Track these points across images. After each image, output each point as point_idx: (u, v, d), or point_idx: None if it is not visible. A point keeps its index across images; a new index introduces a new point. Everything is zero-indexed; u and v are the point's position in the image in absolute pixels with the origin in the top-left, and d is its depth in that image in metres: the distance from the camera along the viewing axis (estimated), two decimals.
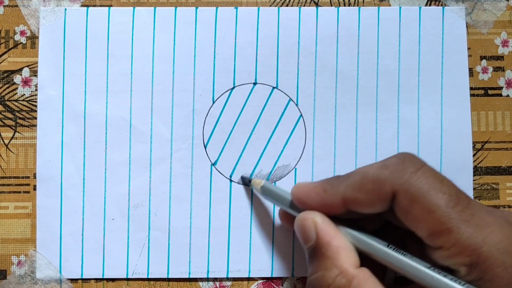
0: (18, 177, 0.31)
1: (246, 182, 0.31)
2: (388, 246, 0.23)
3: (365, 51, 0.31)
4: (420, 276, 0.22)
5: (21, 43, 0.31)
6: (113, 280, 0.31)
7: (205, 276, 0.31)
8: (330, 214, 0.25)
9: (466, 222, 0.21)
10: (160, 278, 0.31)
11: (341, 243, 0.24)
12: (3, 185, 0.31)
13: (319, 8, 0.32)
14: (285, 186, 0.31)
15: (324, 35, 0.31)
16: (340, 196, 0.24)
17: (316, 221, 0.24)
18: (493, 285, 0.21)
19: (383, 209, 0.23)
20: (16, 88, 0.31)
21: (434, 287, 0.22)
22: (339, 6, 0.32)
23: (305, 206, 0.25)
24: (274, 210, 0.31)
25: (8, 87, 0.31)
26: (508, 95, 0.32)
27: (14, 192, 0.31)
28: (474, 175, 0.32)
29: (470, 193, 0.31)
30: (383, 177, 0.23)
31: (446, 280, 0.21)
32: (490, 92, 0.32)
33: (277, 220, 0.31)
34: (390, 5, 0.32)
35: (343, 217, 0.25)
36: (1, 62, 0.31)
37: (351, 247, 0.24)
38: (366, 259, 0.24)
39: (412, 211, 0.22)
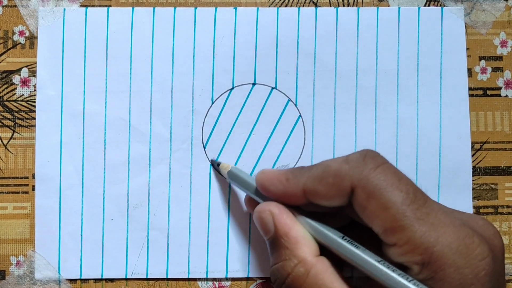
0: (17, 178, 0.31)
1: (215, 166, 0.31)
2: (343, 237, 0.24)
3: (364, 52, 0.31)
4: (369, 269, 0.22)
5: (20, 43, 0.31)
6: (112, 280, 0.31)
7: (204, 276, 0.31)
8: (291, 204, 0.25)
9: (420, 220, 0.22)
10: (159, 278, 0.31)
11: (299, 233, 0.24)
12: (2, 185, 0.31)
13: (318, 8, 0.32)
14: None
15: (323, 35, 0.31)
16: (301, 186, 0.24)
17: (273, 213, 0.25)
18: (444, 285, 0.21)
19: (342, 203, 0.24)
20: (15, 89, 0.31)
21: (381, 280, 0.22)
22: (338, 6, 0.32)
23: (268, 193, 0.26)
24: None
25: (7, 87, 0.31)
26: (507, 96, 0.32)
27: (12, 192, 0.31)
28: (473, 175, 0.32)
29: (469, 193, 0.31)
30: (343, 171, 0.23)
31: (394, 275, 0.22)
32: (489, 92, 0.32)
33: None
34: (389, 6, 0.32)
35: (307, 209, 0.25)
36: (0, 62, 0.31)
37: (309, 237, 0.24)
38: (328, 251, 0.24)
39: (368, 206, 0.22)
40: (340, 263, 0.25)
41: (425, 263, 0.21)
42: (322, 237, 0.24)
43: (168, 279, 0.31)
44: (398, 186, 0.22)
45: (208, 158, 0.31)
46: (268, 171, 0.26)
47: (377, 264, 0.22)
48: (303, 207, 0.25)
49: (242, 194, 0.31)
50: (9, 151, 0.31)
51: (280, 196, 0.25)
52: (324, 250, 0.24)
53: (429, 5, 0.32)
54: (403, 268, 0.22)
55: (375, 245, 0.23)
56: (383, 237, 0.22)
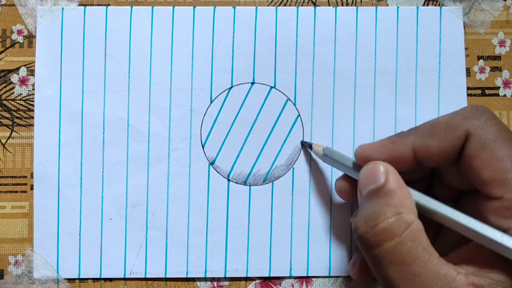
0: (15, 177, 0.31)
1: (306, 146, 0.31)
2: (452, 206, 0.23)
3: (362, 51, 0.31)
4: (484, 233, 0.22)
5: (18, 42, 0.31)
6: (110, 280, 0.30)
7: (203, 275, 0.31)
8: (398, 169, 0.24)
9: None
10: (157, 278, 0.31)
11: (408, 194, 0.23)
12: (0, 184, 0.31)
13: (317, 7, 0.32)
14: (284, 186, 0.31)
15: (322, 34, 0.31)
16: (410, 146, 0.24)
17: (388, 169, 0.24)
18: None
19: (452, 157, 0.23)
20: (13, 88, 0.31)
21: (499, 244, 0.21)
22: (337, 5, 0.32)
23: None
24: (272, 209, 0.31)
25: (5, 87, 0.31)
26: (505, 95, 0.32)
27: (11, 191, 0.31)
28: None
29: None
30: (457, 121, 0.23)
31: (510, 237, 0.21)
32: (487, 92, 0.32)
33: (275, 220, 0.31)
34: (387, 5, 0.32)
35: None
36: None
37: (414, 202, 0.23)
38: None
39: (480, 156, 0.22)
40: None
41: None
42: (430, 204, 0.24)
43: (166, 279, 0.31)
44: None
45: (207, 159, 0.31)
46: (367, 143, 0.26)
47: (490, 228, 0.22)
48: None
49: (241, 194, 0.31)
50: (7, 150, 0.31)
51: (387, 162, 0.24)
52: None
53: (427, 5, 0.32)
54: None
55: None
56: (489, 189, 0.22)
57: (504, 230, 0.22)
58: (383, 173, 0.24)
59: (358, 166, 0.26)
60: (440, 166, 0.25)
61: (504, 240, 0.21)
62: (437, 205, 0.24)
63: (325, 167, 0.31)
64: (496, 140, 0.22)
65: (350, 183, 0.28)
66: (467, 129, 0.23)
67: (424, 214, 0.24)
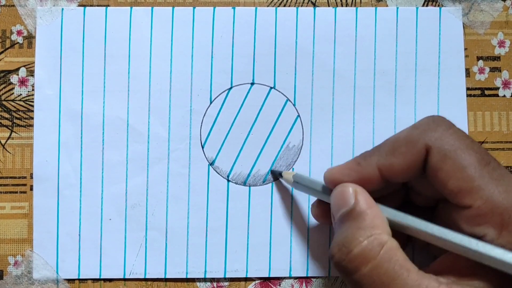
0: (14, 177, 0.31)
1: (276, 175, 0.31)
2: (425, 220, 0.23)
3: (362, 52, 0.31)
4: (460, 243, 0.22)
5: (18, 42, 0.31)
6: (110, 280, 0.30)
7: (202, 276, 0.31)
8: (368, 189, 0.24)
9: (496, 181, 0.21)
10: (157, 278, 0.31)
11: (378, 213, 0.23)
12: (0, 185, 0.31)
13: (317, 8, 0.32)
14: (284, 187, 0.31)
15: (322, 35, 0.31)
16: (375, 165, 0.24)
17: (356, 190, 0.24)
18: None
19: (416, 172, 0.23)
20: (13, 88, 0.31)
21: (477, 253, 0.21)
22: (337, 6, 0.32)
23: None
24: (272, 210, 0.31)
25: (4, 87, 0.31)
26: (504, 96, 0.32)
27: (10, 192, 0.31)
28: None
29: None
30: (416, 136, 0.23)
31: (488, 245, 0.21)
32: (486, 92, 0.32)
33: (275, 220, 0.31)
34: (387, 6, 0.32)
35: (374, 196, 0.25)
36: None
37: (386, 220, 0.23)
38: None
39: (444, 167, 0.22)
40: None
41: (504, 225, 0.21)
42: (402, 219, 0.23)
43: (166, 279, 0.31)
44: (473, 147, 0.22)
45: (207, 160, 0.31)
46: (333, 167, 0.26)
47: (466, 237, 0.22)
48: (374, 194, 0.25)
49: (240, 195, 0.31)
50: (7, 150, 0.31)
51: (356, 183, 0.25)
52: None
53: (427, 5, 0.32)
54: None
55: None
56: (458, 199, 0.22)
57: (479, 237, 0.22)
58: (352, 194, 0.24)
59: (329, 189, 0.26)
60: (408, 181, 0.25)
61: (480, 248, 0.21)
62: (410, 220, 0.23)
63: (325, 167, 0.31)
64: (456, 149, 0.22)
65: (324, 207, 0.28)
66: (426, 143, 0.23)
67: (397, 230, 0.24)
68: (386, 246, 0.22)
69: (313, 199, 0.30)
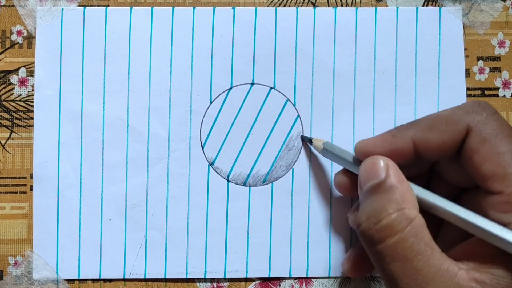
0: (14, 178, 0.31)
1: (306, 141, 0.31)
2: (453, 202, 0.23)
3: (362, 52, 0.31)
4: (486, 227, 0.22)
5: (18, 43, 0.31)
6: (110, 280, 0.30)
7: (202, 276, 0.31)
8: (398, 163, 0.24)
9: None
10: (157, 279, 0.31)
11: (409, 188, 0.23)
12: (0, 185, 0.31)
13: (316, 8, 0.32)
14: (284, 187, 0.31)
15: (322, 35, 0.31)
16: (410, 139, 0.24)
17: (388, 163, 0.24)
18: None
19: (452, 151, 0.24)
20: (13, 88, 0.31)
21: (500, 239, 0.21)
22: (336, 6, 0.32)
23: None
24: (272, 210, 0.31)
25: (4, 87, 0.31)
26: (504, 96, 0.32)
27: (10, 192, 0.31)
28: None
29: None
30: (458, 116, 0.23)
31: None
32: (486, 92, 0.32)
33: (275, 220, 0.31)
34: (387, 6, 0.32)
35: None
36: None
37: (415, 196, 0.23)
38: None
39: (481, 150, 0.22)
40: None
41: None
42: (432, 199, 0.24)
43: (166, 280, 0.31)
44: None
45: (207, 160, 0.31)
46: (368, 138, 0.26)
47: (492, 223, 0.22)
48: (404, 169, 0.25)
49: (240, 195, 0.31)
50: (7, 151, 0.31)
51: (387, 156, 0.24)
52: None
53: (427, 6, 0.32)
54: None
55: None
56: (489, 184, 0.22)
57: (505, 225, 0.22)
58: (383, 168, 0.24)
59: (358, 160, 0.26)
60: (440, 160, 0.25)
61: (504, 234, 0.21)
62: (438, 200, 0.24)
63: (325, 167, 0.31)
64: (496, 135, 0.22)
65: (349, 177, 0.28)
66: (468, 124, 0.23)
67: (425, 209, 0.24)
68: (414, 221, 0.22)
69: (338, 170, 0.29)
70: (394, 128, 0.25)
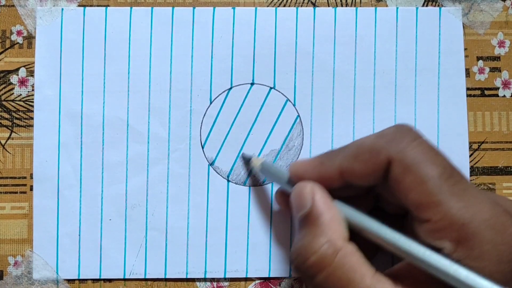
0: (14, 178, 0.31)
1: (246, 159, 0.31)
2: (381, 223, 0.23)
3: (362, 52, 0.31)
4: (412, 251, 0.22)
5: (18, 43, 0.31)
6: (110, 280, 0.30)
7: (202, 276, 0.31)
8: (327, 188, 0.25)
9: (456, 196, 0.21)
10: (157, 279, 0.31)
11: (334, 215, 0.24)
12: (0, 185, 0.31)
13: (316, 8, 0.32)
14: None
15: (322, 35, 0.31)
16: (337, 167, 0.24)
17: (314, 190, 0.24)
18: (481, 263, 0.21)
19: (377, 179, 0.23)
20: (13, 88, 0.31)
21: (425, 263, 0.21)
22: (336, 6, 0.32)
23: (302, 181, 0.25)
24: (272, 210, 0.31)
25: (4, 87, 0.31)
26: (504, 96, 0.32)
27: (10, 192, 0.31)
28: (470, 175, 0.32)
29: None
30: (379, 146, 0.23)
31: (437, 256, 0.21)
32: (486, 92, 0.32)
33: (275, 220, 0.31)
34: (387, 6, 0.32)
35: (338, 194, 0.25)
36: None
37: (342, 221, 0.24)
38: (357, 241, 0.24)
39: (404, 180, 0.22)
40: (370, 252, 0.24)
41: (460, 240, 0.21)
42: (360, 221, 0.24)
43: (166, 279, 0.31)
44: (435, 160, 0.22)
45: (207, 160, 0.31)
46: (300, 160, 0.26)
47: (418, 245, 0.22)
48: (336, 192, 0.25)
49: (241, 195, 0.31)
50: (7, 151, 0.31)
51: (316, 181, 0.25)
52: (353, 239, 0.24)
53: (427, 5, 0.32)
54: (433, 250, 0.22)
55: (400, 230, 0.23)
56: (417, 213, 0.22)
57: (438, 250, 0.22)
58: (309, 196, 0.24)
59: (293, 182, 0.26)
60: (370, 185, 0.25)
61: (426, 256, 0.21)
62: (366, 221, 0.23)
63: None
64: (418, 163, 0.22)
65: (288, 197, 0.27)
66: (389, 154, 0.23)
67: (355, 231, 0.24)
68: (340, 253, 0.22)
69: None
70: (324, 153, 0.25)
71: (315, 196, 0.24)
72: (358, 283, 0.21)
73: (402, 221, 0.26)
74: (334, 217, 0.23)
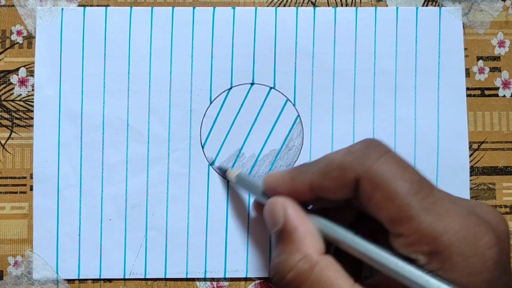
0: (14, 178, 0.31)
1: (221, 172, 0.31)
2: (355, 234, 0.23)
3: (362, 51, 0.31)
4: (383, 262, 0.22)
5: (18, 43, 0.31)
6: (110, 280, 0.30)
7: (202, 276, 0.31)
8: (299, 201, 0.25)
9: (426, 210, 0.21)
10: (157, 278, 0.31)
11: (308, 229, 0.24)
12: (0, 185, 0.31)
13: (316, 8, 0.32)
14: None
15: (322, 35, 0.31)
16: (307, 183, 0.24)
17: (285, 206, 0.25)
18: (453, 274, 0.21)
19: (348, 195, 0.24)
20: (13, 88, 0.31)
21: (398, 274, 0.21)
22: (336, 6, 0.32)
23: (276, 194, 0.26)
24: None
25: (4, 87, 0.31)
26: (504, 96, 0.32)
27: (10, 192, 0.31)
28: (470, 175, 0.32)
29: (467, 193, 0.31)
30: (346, 164, 0.23)
31: (409, 267, 0.21)
32: (486, 92, 0.32)
33: None
34: (387, 6, 0.32)
35: (315, 206, 0.25)
36: None
37: (317, 234, 0.24)
38: (339, 255, 0.24)
39: (373, 198, 0.22)
40: (354, 269, 0.24)
41: (432, 253, 0.21)
42: (333, 233, 0.24)
43: (166, 279, 0.31)
44: (403, 176, 0.22)
45: (207, 160, 0.31)
46: (274, 173, 0.26)
47: (392, 257, 0.22)
48: (311, 203, 0.25)
49: (240, 195, 0.31)
50: (7, 151, 0.31)
51: (288, 195, 0.25)
52: (329, 251, 0.24)
53: (427, 5, 0.32)
54: (409, 261, 0.22)
55: (383, 239, 0.23)
56: (390, 228, 0.22)
57: (413, 262, 0.22)
58: (281, 212, 0.24)
59: (268, 194, 0.26)
60: (343, 200, 0.25)
61: (398, 267, 0.21)
62: (339, 233, 0.24)
63: None
64: (386, 179, 0.22)
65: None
66: (356, 173, 0.23)
67: (331, 243, 0.24)
68: (316, 267, 0.23)
69: None
70: (296, 168, 0.25)
71: (287, 211, 0.24)
72: None
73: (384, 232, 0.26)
74: (308, 231, 0.24)
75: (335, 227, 0.24)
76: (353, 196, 0.24)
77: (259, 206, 0.29)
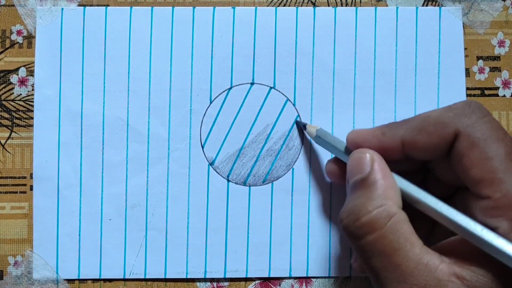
0: (14, 177, 0.31)
1: (300, 126, 0.31)
2: (437, 198, 0.23)
3: (362, 51, 0.31)
4: (465, 226, 0.22)
5: (18, 42, 0.31)
6: (110, 280, 0.30)
7: (202, 276, 0.31)
8: (386, 159, 0.25)
9: None
10: (157, 279, 0.31)
11: (392, 183, 0.23)
12: (0, 185, 0.31)
13: (316, 8, 0.32)
14: (284, 187, 0.31)
15: (321, 35, 0.31)
16: (399, 138, 0.24)
17: (374, 157, 0.24)
18: None
19: (440, 153, 0.23)
20: (13, 88, 0.31)
21: (482, 240, 0.21)
22: (336, 6, 0.32)
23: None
24: (272, 210, 0.31)
25: (4, 87, 0.31)
26: (504, 95, 0.32)
27: (10, 192, 0.31)
28: None
29: None
30: (447, 119, 0.23)
31: (492, 233, 0.21)
32: (486, 92, 0.32)
33: (275, 220, 0.31)
34: (387, 5, 0.32)
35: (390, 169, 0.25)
36: None
37: (399, 191, 0.24)
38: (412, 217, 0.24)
39: (469, 155, 0.22)
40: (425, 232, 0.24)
41: None
42: (416, 194, 0.24)
43: (166, 279, 0.31)
44: (504, 139, 0.22)
45: (207, 160, 0.31)
46: (360, 129, 0.26)
47: (473, 222, 0.22)
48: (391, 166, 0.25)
49: (240, 195, 0.31)
50: (7, 151, 0.31)
51: (376, 150, 0.25)
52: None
53: (427, 5, 0.32)
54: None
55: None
56: (477, 189, 0.22)
57: (492, 229, 0.22)
58: (369, 162, 0.24)
59: (349, 150, 0.26)
60: (430, 160, 0.25)
61: (484, 234, 0.21)
62: (422, 195, 0.24)
63: (325, 167, 0.31)
64: (486, 139, 0.22)
65: (340, 166, 0.28)
66: (456, 128, 0.23)
67: (410, 204, 0.24)
68: (394, 218, 0.22)
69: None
70: (386, 125, 0.25)
71: (374, 162, 0.24)
72: (408, 251, 0.22)
73: (447, 202, 0.26)
74: (391, 185, 0.23)
75: (417, 188, 0.24)
76: (441, 156, 0.23)
77: (332, 167, 0.28)
